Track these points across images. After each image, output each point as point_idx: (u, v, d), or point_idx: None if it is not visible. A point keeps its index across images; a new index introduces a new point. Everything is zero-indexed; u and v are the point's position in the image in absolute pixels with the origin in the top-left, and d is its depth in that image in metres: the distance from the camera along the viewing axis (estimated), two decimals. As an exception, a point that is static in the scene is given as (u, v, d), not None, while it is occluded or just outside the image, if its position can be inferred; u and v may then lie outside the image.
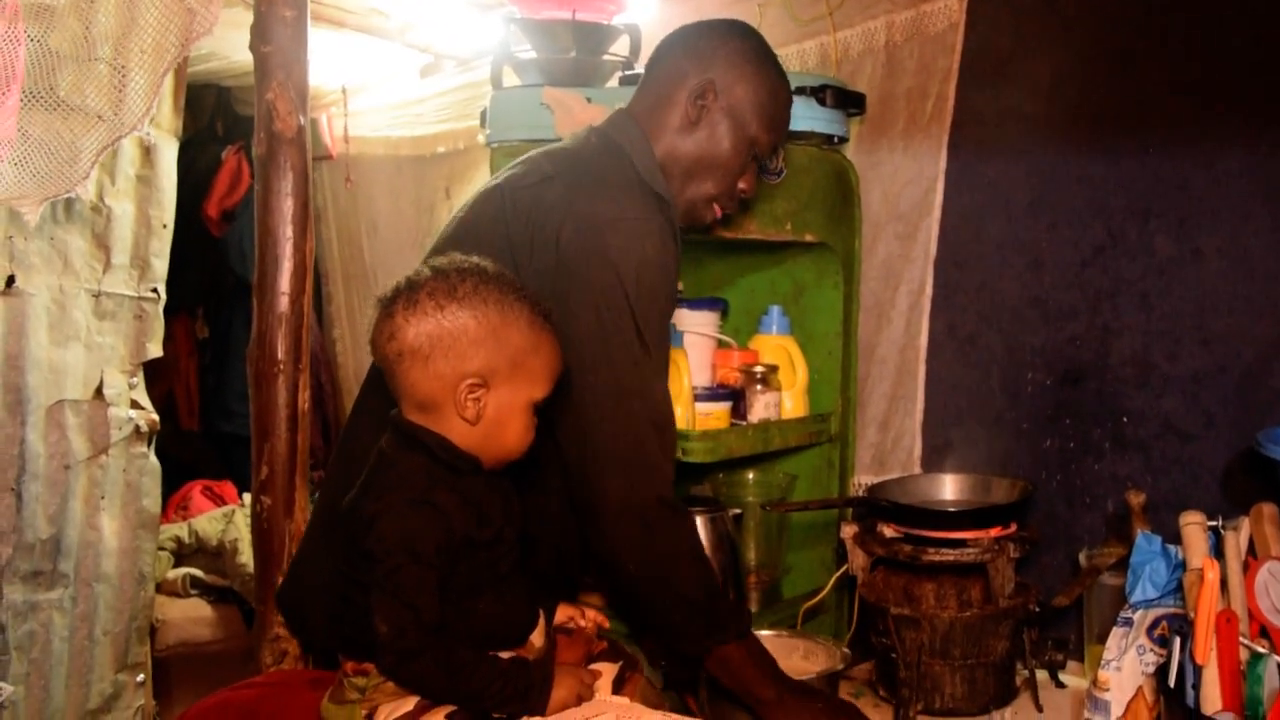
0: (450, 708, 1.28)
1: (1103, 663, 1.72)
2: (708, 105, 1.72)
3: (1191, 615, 1.55)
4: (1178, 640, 1.55)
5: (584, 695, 1.35)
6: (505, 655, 1.35)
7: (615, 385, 1.53)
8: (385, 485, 1.32)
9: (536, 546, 1.54)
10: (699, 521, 2.22)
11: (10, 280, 2.68)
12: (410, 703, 1.29)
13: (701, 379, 2.31)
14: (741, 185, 1.80)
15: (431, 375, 1.32)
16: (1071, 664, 2.05)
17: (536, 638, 1.42)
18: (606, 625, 1.61)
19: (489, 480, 1.38)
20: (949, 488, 2.19)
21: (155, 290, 2.98)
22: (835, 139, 2.33)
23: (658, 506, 1.54)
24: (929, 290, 2.39)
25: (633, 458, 1.53)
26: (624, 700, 1.40)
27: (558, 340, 1.41)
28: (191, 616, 3.68)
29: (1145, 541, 1.78)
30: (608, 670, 1.46)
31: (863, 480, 2.46)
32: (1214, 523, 1.71)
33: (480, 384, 1.33)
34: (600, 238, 1.54)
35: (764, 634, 1.94)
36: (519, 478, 1.46)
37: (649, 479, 1.55)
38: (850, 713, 1.65)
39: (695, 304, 2.37)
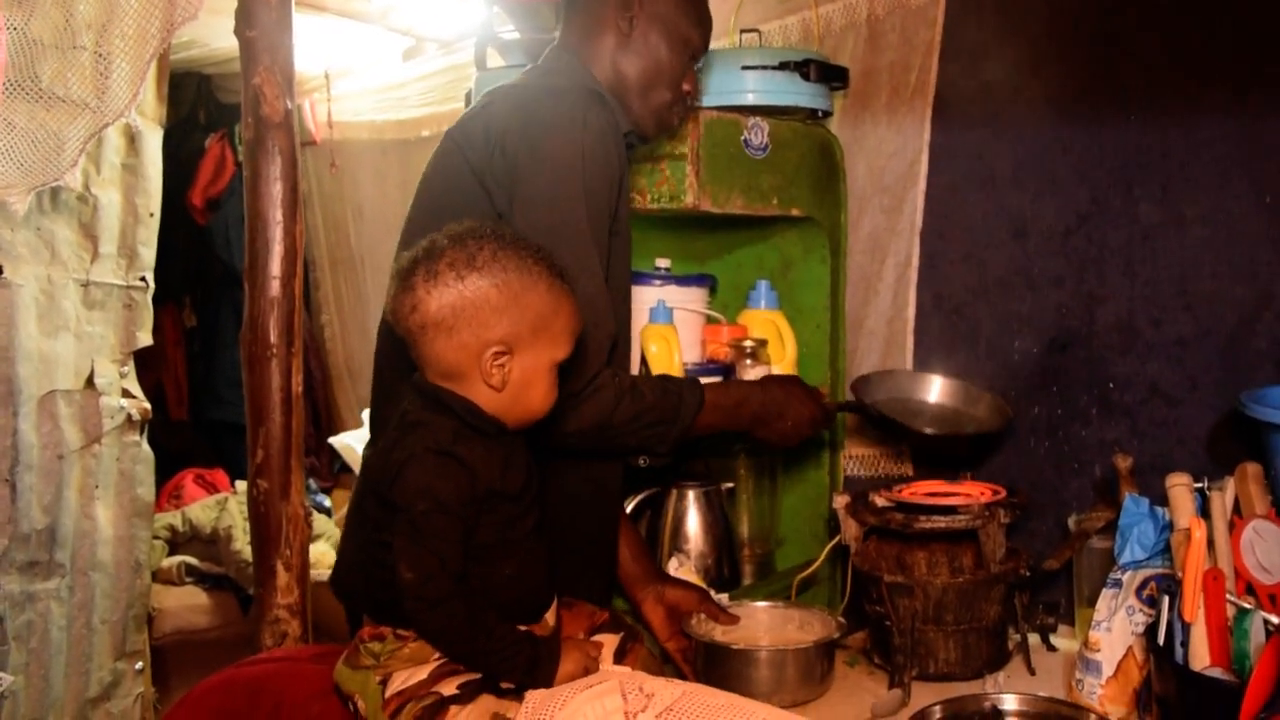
0: (462, 677, 1.30)
1: (1093, 624, 1.74)
2: (635, 16, 1.77)
3: (1179, 575, 1.57)
4: (1166, 599, 1.58)
5: (590, 668, 1.37)
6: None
7: None
8: (411, 440, 1.33)
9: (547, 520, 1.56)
10: (692, 495, 2.25)
11: (-2, 271, 2.67)
12: (424, 670, 1.31)
13: (691, 355, 2.33)
14: (686, 87, 1.84)
15: (456, 346, 1.34)
16: (1063, 627, 2.08)
17: (550, 616, 1.44)
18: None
19: (513, 440, 1.39)
20: (936, 391, 2.26)
21: (143, 279, 2.98)
22: (819, 113, 2.35)
23: (578, 394, 1.58)
24: (915, 262, 2.41)
25: None
26: (625, 669, 1.42)
27: (575, 298, 1.43)
28: (188, 604, 3.70)
29: (1133, 504, 1.80)
30: (609, 641, 1.48)
31: (854, 452, 2.49)
32: (1200, 484, 1.73)
33: (505, 351, 1.34)
34: (543, 135, 1.59)
35: (759, 605, 1.98)
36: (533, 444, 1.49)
37: (572, 377, 1.56)
38: (812, 399, 1.93)
39: (683, 280, 2.39)
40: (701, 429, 1.78)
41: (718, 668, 1.80)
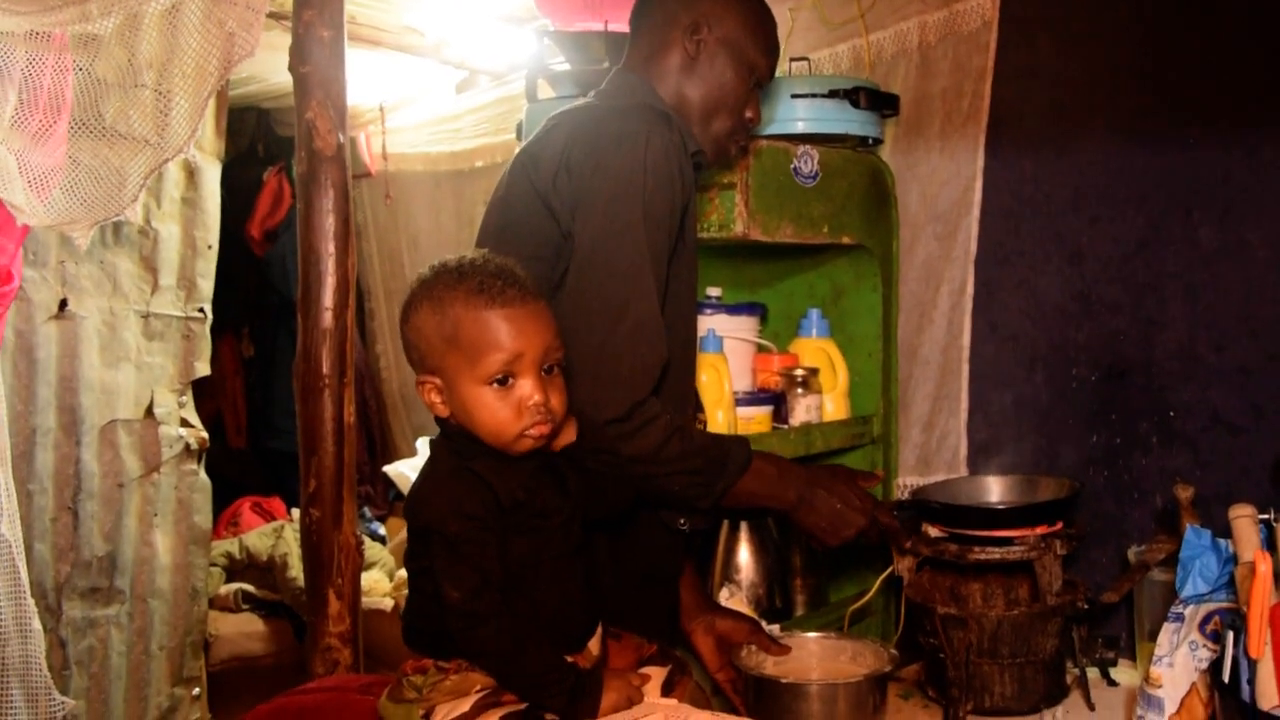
0: (505, 709, 1.29)
1: (1154, 659, 1.70)
2: (704, 39, 1.74)
3: (1244, 609, 1.52)
4: (1231, 635, 1.53)
5: (634, 698, 1.36)
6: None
7: (605, 297, 1.55)
8: (430, 468, 1.39)
9: (598, 550, 1.56)
10: (744, 525, 2.23)
11: (63, 304, 2.74)
12: (467, 703, 1.30)
13: (742, 384, 2.31)
14: (748, 114, 1.82)
15: (416, 383, 1.39)
16: (1123, 661, 2.03)
17: (594, 645, 1.43)
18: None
19: (541, 459, 1.39)
20: (995, 490, 2.17)
21: (202, 310, 3.04)
22: (870, 141, 2.33)
23: (625, 419, 1.54)
24: (970, 289, 2.38)
25: (615, 367, 1.54)
26: (672, 702, 1.41)
27: (507, 309, 1.34)
28: (244, 631, 3.73)
29: (1194, 535, 1.76)
30: (657, 674, 1.46)
31: (907, 481, 2.45)
32: (1265, 515, 1.68)
33: (434, 383, 1.36)
34: (607, 153, 1.57)
35: (810, 635, 1.94)
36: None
37: (616, 393, 1.54)
38: (859, 492, 1.77)
39: (734, 309, 2.38)
40: (743, 495, 1.71)
41: (768, 701, 1.78)
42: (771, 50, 1.84)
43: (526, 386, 1.34)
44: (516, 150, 1.77)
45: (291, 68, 2.23)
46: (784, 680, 1.78)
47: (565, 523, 1.40)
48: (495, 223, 1.72)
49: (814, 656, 1.91)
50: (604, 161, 1.57)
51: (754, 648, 1.86)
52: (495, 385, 1.33)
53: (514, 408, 1.34)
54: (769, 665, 1.85)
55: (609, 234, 1.56)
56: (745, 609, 2.17)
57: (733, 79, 1.76)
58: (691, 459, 1.62)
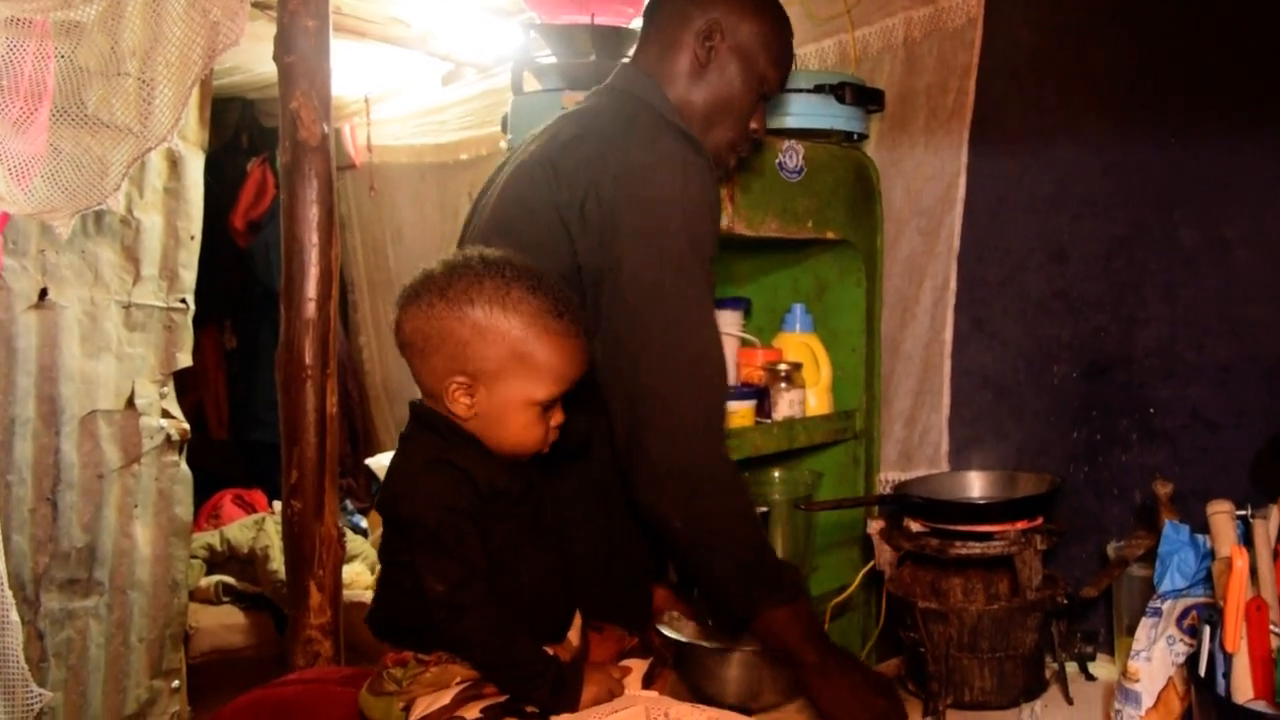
0: (485, 701, 1.29)
1: (1132, 653, 1.71)
2: (715, 46, 1.69)
3: (1221, 604, 1.54)
4: (1208, 629, 1.54)
5: (614, 691, 1.36)
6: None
7: (667, 340, 1.48)
8: (405, 458, 1.37)
9: (573, 542, 1.54)
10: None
11: (43, 293, 2.72)
12: (447, 695, 1.30)
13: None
14: (753, 125, 1.77)
15: (428, 370, 1.36)
16: (1101, 656, 2.04)
17: (574, 635, 1.43)
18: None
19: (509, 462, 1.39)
20: (976, 485, 2.18)
21: (184, 300, 3.02)
22: (855, 136, 2.34)
23: (705, 469, 1.49)
24: (953, 285, 2.39)
25: (682, 417, 1.48)
26: (653, 694, 1.41)
27: (575, 339, 1.37)
28: (225, 623, 3.72)
29: (1173, 531, 1.77)
30: (638, 667, 1.47)
31: (889, 476, 2.46)
32: (1243, 511, 1.69)
33: (468, 383, 1.33)
34: (642, 184, 1.51)
35: None
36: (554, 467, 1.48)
37: (696, 441, 1.49)
38: (887, 690, 1.62)
39: (718, 303, 2.38)
40: (772, 621, 1.55)
41: (691, 666, 1.75)
42: (785, 62, 1.79)
43: (559, 413, 1.38)
44: (528, 145, 1.70)
45: (276, 57, 2.22)
46: (706, 645, 1.74)
47: (536, 506, 1.40)
48: (500, 227, 1.63)
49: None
50: (642, 194, 1.50)
51: (676, 614, 1.81)
52: (540, 406, 1.35)
53: (544, 428, 1.37)
54: (688, 631, 1.80)
55: (660, 270, 1.49)
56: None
57: (741, 89, 1.72)
58: (748, 551, 1.53)
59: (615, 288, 1.49)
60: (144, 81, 2.22)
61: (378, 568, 1.74)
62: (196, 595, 3.71)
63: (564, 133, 1.62)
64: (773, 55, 1.74)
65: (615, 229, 1.49)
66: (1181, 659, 1.67)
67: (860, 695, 1.57)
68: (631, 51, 1.81)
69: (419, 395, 1.42)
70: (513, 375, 1.33)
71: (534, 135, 1.74)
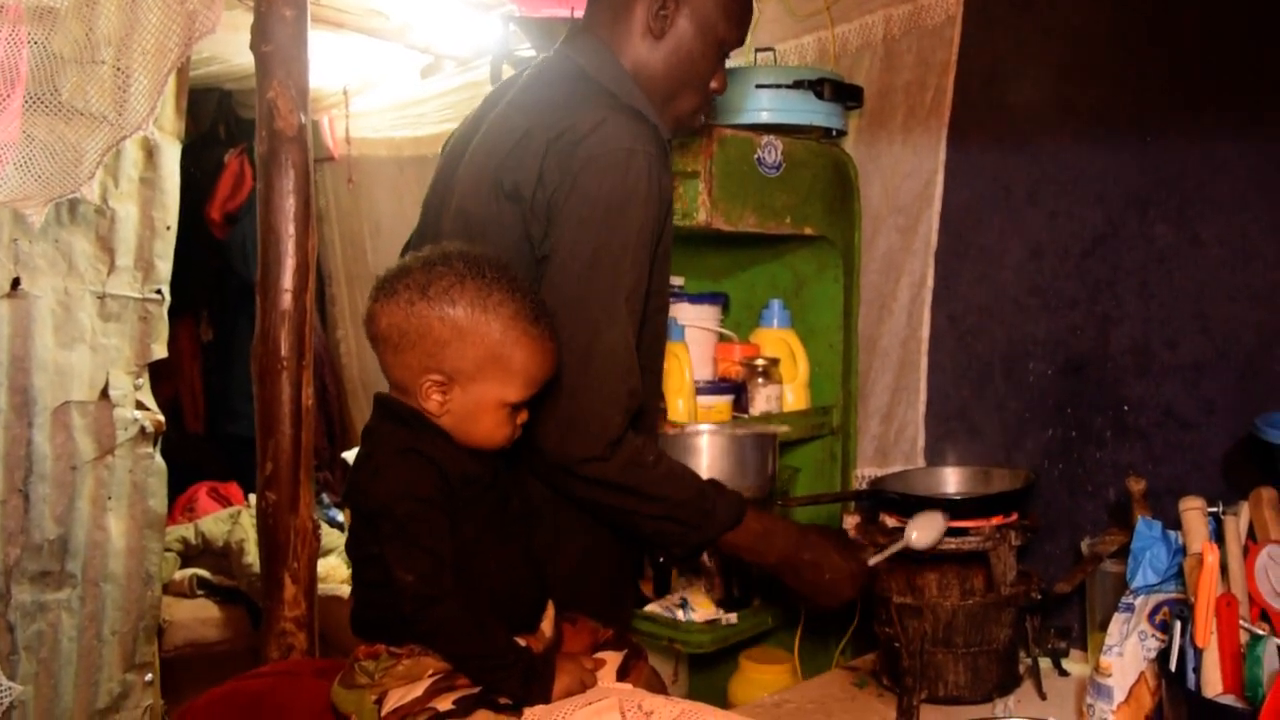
0: (458, 692, 1.29)
1: (1105, 648, 1.72)
2: (669, 15, 1.63)
3: (1192, 599, 1.55)
4: (1178, 624, 1.55)
5: (587, 682, 1.36)
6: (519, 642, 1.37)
7: (572, 333, 1.46)
8: (372, 448, 1.37)
9: (543, 532, 1.55)
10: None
11: (15, 283, 2.69)
12: (420, 687, 1.30)
13: (703, 373, 2.32)
14: (714, 85, 1.71)
15: (401, 365, 1.35)
16: (1074, 652, 2.06)
17: (546, 626, 1.43)
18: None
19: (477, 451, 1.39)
20: (951, 480, 2.19)
21: (159, 291, 2.99)
22: (834, 132, 2.35)
23: (603, 458, 1.49)
24: (930, 282, 2.40)
25: (583, 416, 1.48)
26: (627, 686, 1.41)
27: (551, 343, 1.37)
28: (199, 617, 3.70)
29: (1145, 527, 1.78)
30: (612, 659, 1.46)
31: (865, 472, 2.47)
32: (1214, 508, 1.71)
33: (442, 382, 1.34)
34: (585, 172, 1.48)
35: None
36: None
37: (589, 433, 1.48)
38: (845, 551, 1.75)
39: (696, 298, 2.39)
40: (722, 547, 1.66)
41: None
42: (744, 19, 1.72)
43: (525, 412, 1.40)
44: (486, 114, 1.67)
45: (253, 46, 2.20)
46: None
47: (504, 493, 1.40)
48: (459, 228, 1.61)
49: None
50: (584, 186, 1.48)
51: None
52: (510, 407, 1.37)
53: (511, 426, 1.38)
54: None
55: (588, 265, 1.48)
56: (705, 599, 2.17)
57: (699, 57, 1.66)
58: (673, 508, 1.57)
59: (549, 276, 1.49)
60: (119, 69, 2.20)
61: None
62: (171, 588, 3.68)
63: (514, 127, 1.57)
64: (731, 15, 1.68)
65: (554, 219, 1.49)
66: (1153, 654, 1.68)
67: (830, 584, 1.72)
68: (585, 13, 1.73)
69: None
70: (488, 377, 1.34)
71: (485, 104, 1.74)
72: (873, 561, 1.82)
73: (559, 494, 1.56)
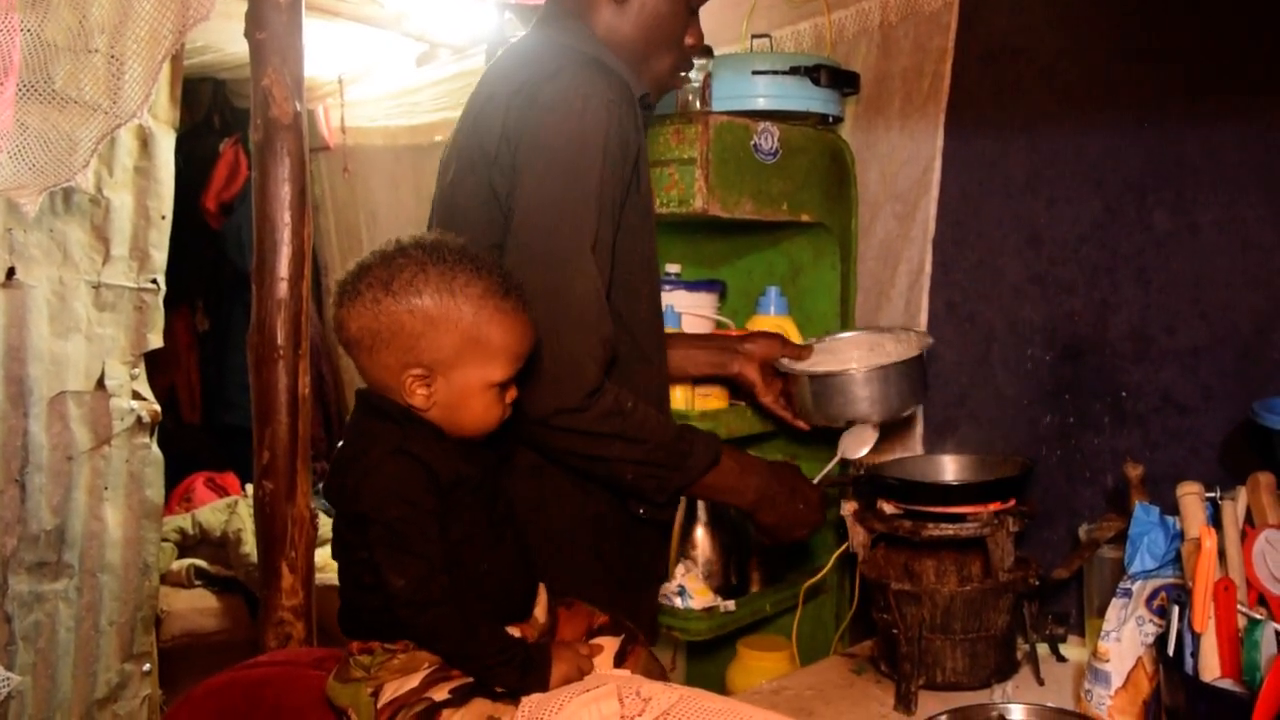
0: (454, 682, 1.29)
1: (1102, 634, 1.72)
2: None
3: (1190, 584, 1.55)
4: (1176, 609, 1.55)
5: (584, 669, 1.35)
6: (513, 632, 1.36)
7: (541, 283, 1.45)
8: (360, 450, 1.33)
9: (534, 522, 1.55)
10: (700, 502, 2.24)
11: (10, 272, 2.69)
12: (416, 679, 1.29)
13: (700, 360, 2.31)
14: (689, 41, 1.73)
15: (379, 365, 1.32)
16: (1072, 637, 2.06)
17: (540, 612, 1.43)
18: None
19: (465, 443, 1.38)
20: (949, 467, 2.19)
21: (155, 281, 2.99)
22: (830, 119, 2.34)
23: (580, 409, 1.50)
24: (928, 269, 2.39)
25: (559, 370, 1.48)
26: (625, 673, 1.40)
27: (525, 314, 1.36)
28: (197, 607, 3.70)
29: (1143, 512, 1.78)
30: (609, 645, 1.46)
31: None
32: (1212, 493, 1.70)
33: (424, 375, 1.31)
34: (541, 126, 1.49)
35: (841, 336, 2.22)
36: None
37: (566, 385, 1.48)
38: (807, 482, 1.86)
39: (693, 285, 2.38)
40: (701, 489, 1.69)
41: (823, 395, 2.01)
42: None
43: (514, 389, 1.38)
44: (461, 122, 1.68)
45: (247, 34, 2.19)
46: (835, 372, 2.00)
47: (494, 490, 1.39)
48: (445, 214, 1.64)
49: (857, 349, 2.17)
50: (540, 135, 1.49)
51: (787, 360, 2.07)
52: (498, 387, 1.34)
53: (503, 406, 1.36)
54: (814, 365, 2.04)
55: (546, 216, 1.48)
56: (701, 586, 2.17)
57: (669, 15, 1.67)
58: (652, 451, 1.58)
59: (512, 229, 1.49)
60: (113, 57, 2.19)
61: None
62: (168, 579, 3.68)
63: (484, 94, 1.61)
64: None
65: (516, 171, 1.50)
66: (1151, 639, 1.68)
67: (800, 514, 1.81)
68: None
69: None
70: (469, 361, 1.32)
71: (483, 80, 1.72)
72: (816, 480, 1.93)
73: (540, 451, 1.56)
